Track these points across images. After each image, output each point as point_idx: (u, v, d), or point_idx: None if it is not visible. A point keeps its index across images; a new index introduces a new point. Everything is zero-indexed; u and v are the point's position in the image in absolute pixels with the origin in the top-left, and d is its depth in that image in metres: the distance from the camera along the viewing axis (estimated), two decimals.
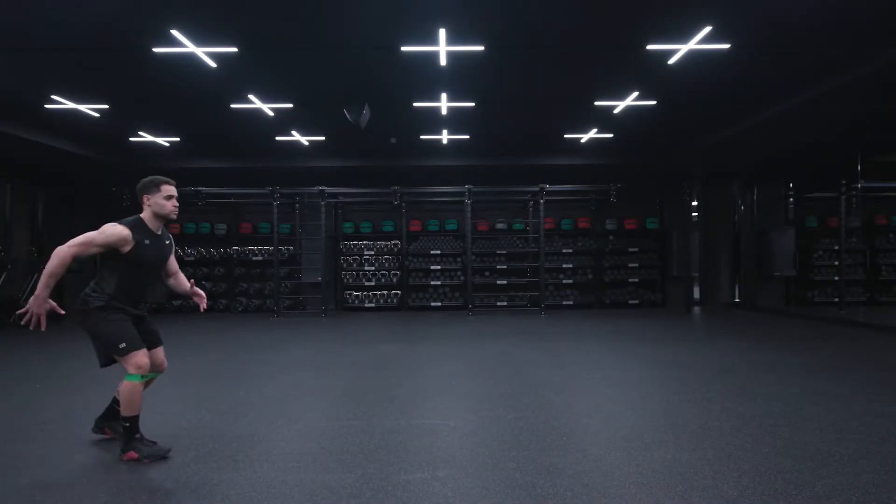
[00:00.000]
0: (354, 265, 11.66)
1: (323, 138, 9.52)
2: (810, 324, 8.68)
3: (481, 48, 5.69)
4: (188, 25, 5.16)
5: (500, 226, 11.91)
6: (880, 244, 11.59)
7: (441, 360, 5.82)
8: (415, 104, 7.58)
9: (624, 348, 6.45)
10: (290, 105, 7.61)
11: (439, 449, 3.09)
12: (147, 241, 2.96)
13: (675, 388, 4.44)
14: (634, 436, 3.27)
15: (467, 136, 9.50)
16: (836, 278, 11.05)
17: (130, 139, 9.38)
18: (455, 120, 8.50)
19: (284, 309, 10.99)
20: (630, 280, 11.82)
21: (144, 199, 3.00)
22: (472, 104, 7.64)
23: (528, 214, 11.87)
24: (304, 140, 9.56)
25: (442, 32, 5.31)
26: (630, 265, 11.78)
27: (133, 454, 2.93)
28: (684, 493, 2.48)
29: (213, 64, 5.95)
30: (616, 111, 7.92)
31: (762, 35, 5.50)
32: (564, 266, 11.65)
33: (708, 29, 5.21)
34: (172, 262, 3.21)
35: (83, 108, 7.45)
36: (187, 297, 3.35)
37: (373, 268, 11.63)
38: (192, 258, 11.66)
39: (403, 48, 5.69)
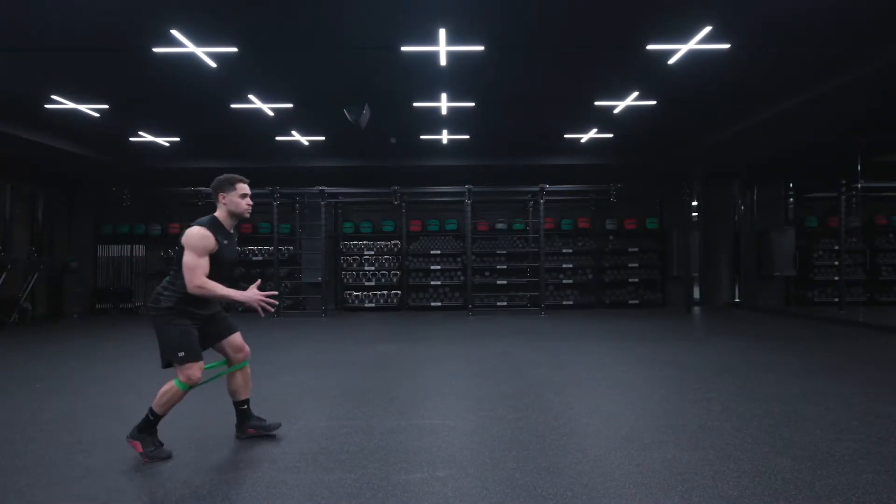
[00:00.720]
0: (354, 265, 11.66)
1: (323, 138, 9.52)
2: (810, 324, 8.68)
3: (481, 48, 5.69)
4: (188, 25, 5.16)
5: (500, 226, 11.90)
6: (880, 244, 11.57)
7: (441, 360, 5.82)
8: (415, 104, 7.58)
9: (624, 348, 6.45)
10: (290, 105, 7.60)
11: (439, 449, 3.09)
12: (225, 242, 2.96)
13: (675, 388, 4.44)
14: (634, 436, 3.27)
15: (467, 136, 9.50)
16: (836, 278, 11.03)
17: (130, 139, 9.38)
18: (455, 120, 8.50)
19: (284, 309, 10.99)
20: (630, 280, 11.81)
21: (220, 198, 3.00)
22: (472, 104, 7.64)
23: (528, 214, 11.86)
24: (304, 140, 9.56)
25: (442, 32, 5.30)
26: (630, 265, 11.78)
27: (137, 444, 2.93)
28: (684, 493, 2.48)
29: (213, 64, 5.95)
30: (616, 111, 7.92)
31: (762, 35, 5.50)
32: (564, 266, 11.64)
33: (708, 29, 5.21)
34: None
35: (83, 108, 7.45)
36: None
37: (373, 268, 11.62)
38: None
39: (403, 48, 5.68)
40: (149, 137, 9.26)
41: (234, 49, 5.63)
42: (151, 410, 2.94)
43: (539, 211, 10.68)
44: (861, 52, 5.82)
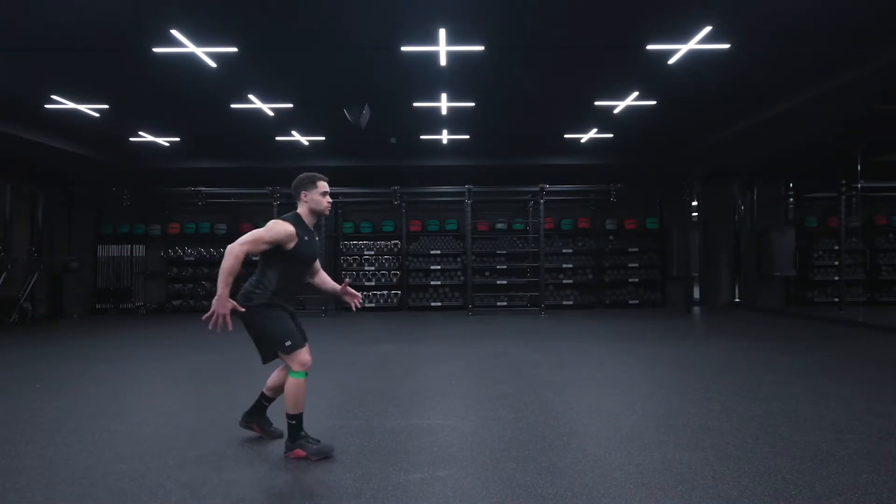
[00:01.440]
0: (354, 265, 11.66)
1: (323, 138, 9.52)
2: (810, 324, 8.68)
3: (481, 48, 5.69)
4: (188, 25, 5.16)
5: (500, 226, 11.91)
6: (880, 244, 11.57)
7: (441, 360, 5.82)
8: (415, 104, 7.58)
9: (624, 348, 6.45)
10: (290, 105, 7.60)
11: (439, 449, 3.09)
12: (306, 238, 2.99)
13: (675, 388, 4.44)
14: (634, 436, 3.27)
15: (467, 136, 9.50)
16: (836, 278, 11.02)
17: (130, 139, 9.38)
18: (455, 120, 8.50)
19: None
20: (630, 280, 11.81)
21: (302, 196, 3.06)
22: (472, 104, 7.64)
23: (528, 214, 11.86)
24: (304, 140, 9.56)
25: (442, 32, 5.30)
26: (630, 265, 11.78)
27: (300, 452, 2.92)
28: (684, 493, 2.48)
29: (213, 64, 5.95)
30: (616, 111, 7.91)
31: (762, 35, 5.50)
32: (564, 266, 11.65)
33: (708, 29, 5.21)
34: (316, 261, 3.23)
35: (83, 108, 7.45)
36: (337, 297, 3.37)
37: (373, 268, 11.63)
38: (193, 258, 11.65)
39: (403, 48, 5.68)
40: (149, 137, 9.26)
41: (234, 49, 5.63)
42: (289, 415, 2.93)
43: (539, 211, 10.68)
44: (861, 52, 5.81)
